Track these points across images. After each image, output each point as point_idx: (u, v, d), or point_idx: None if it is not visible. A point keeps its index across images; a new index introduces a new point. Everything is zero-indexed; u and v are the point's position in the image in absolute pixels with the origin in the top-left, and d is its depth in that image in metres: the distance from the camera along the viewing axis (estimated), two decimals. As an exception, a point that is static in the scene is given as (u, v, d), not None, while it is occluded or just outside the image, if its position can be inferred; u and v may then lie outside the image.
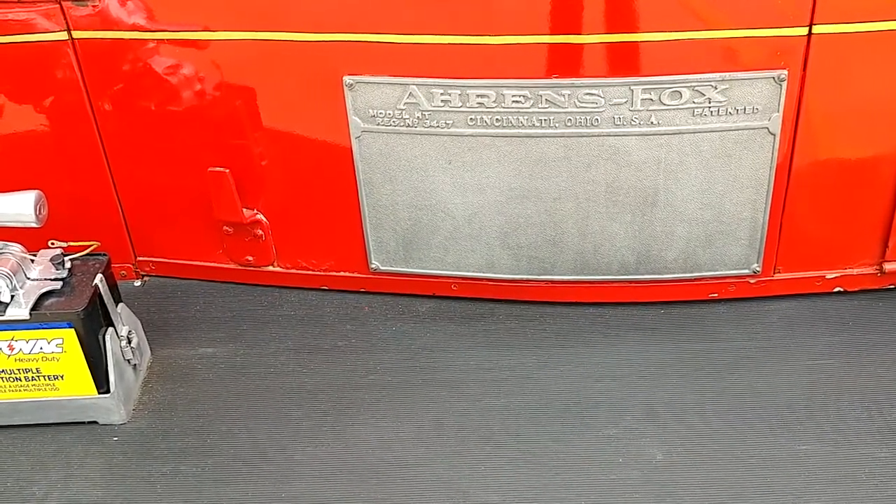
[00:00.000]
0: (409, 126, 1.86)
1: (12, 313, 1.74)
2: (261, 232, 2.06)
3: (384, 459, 1.75)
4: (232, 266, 2.14)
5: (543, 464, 1.72)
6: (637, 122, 1.80)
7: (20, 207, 1.69)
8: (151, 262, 2.17)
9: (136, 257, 2.17)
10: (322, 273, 2.11)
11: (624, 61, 1.76)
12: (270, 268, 2.13)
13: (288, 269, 2.12)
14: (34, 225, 1.70)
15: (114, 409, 1.84)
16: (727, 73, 1.75)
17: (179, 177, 2.03)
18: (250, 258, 2.11)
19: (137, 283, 2.19)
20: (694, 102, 1.78)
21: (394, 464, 1.74)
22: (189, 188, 2.03)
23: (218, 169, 1.95)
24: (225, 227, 2.07)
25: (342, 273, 2.11)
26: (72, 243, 1.80)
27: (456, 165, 1.89)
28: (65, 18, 1.86)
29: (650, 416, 1.81)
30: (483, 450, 1.76)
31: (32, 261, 1.80)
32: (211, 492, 1.71)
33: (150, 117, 1.97)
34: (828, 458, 1.70)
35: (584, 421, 1.80)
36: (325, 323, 2.07)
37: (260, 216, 2.05)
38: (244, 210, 2.02)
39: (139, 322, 1.94)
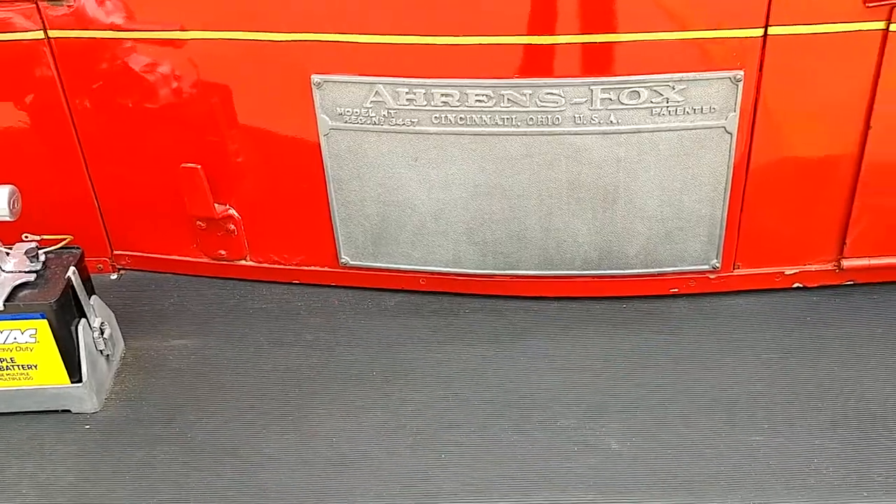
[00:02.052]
0: (375, 124, 1.90)
1: (-14, 304, 1.79)
2: (233, 227, 2.11)
3: (348, 449, 1.80)
4: (205, 260, 2.19)
5: (502, 452, 1.77)
6: (597, 121, 1.85)
7: (-7, 201, 1.74)
8: (127, 255, 2.22)
9: (112, 251, 2.21)
10: (293, 267, 2.16)
11: (584, 62, 1.81)
12: (243, 262, 2.18)
13: (260, 263, 2.17)
14: (7, 218, 1.75)
15: (86, 398, 1.89)
16: (685, 74, 1.80)
17: (154, 173, 2.07)
18: (223, 252, 2.16)
19: (114, 276, 2.23)
20: (652, 102, 1.82)
21: (357, 453, 1.79)
22: (163, 184, 2.08)
23: (190, 165, 2.00)
24: (198, 222, 2.11)
25: (313, 267, 2.15)
26: (45, 237, 1.85)
27: (422, 162, 1.94)
28: (41, 18, 1.91)
29: (608, 406, 1.85)
30: (444, 439, 1.80)
31: (7, 254, 1.85)
32: (179, 478, 1.75)
33: (126, 115, 2.01)
34: (780, 448, 1.75)
35: (544, 412, 1.85)
36: (295, 316, 2.12)
37: (232, 211, 2.09)
38: (216, 205, 2.07)
39: (112, 314, 1.98)
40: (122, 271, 2.24)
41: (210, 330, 2.08)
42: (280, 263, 2.16)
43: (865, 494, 1.66)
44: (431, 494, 1.70)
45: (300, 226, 2.09)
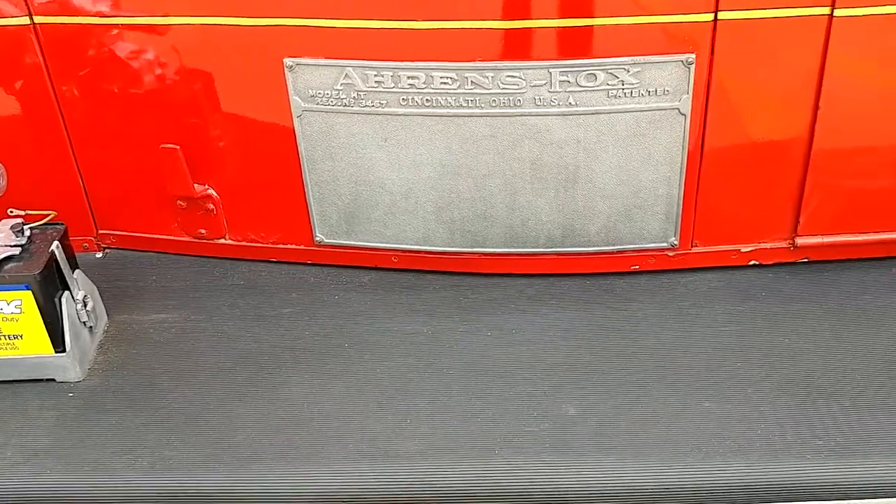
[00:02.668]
0: (346, 105, 1.99)
1: (-27, 276, 1.88)
2: (212, 206, 2.20)
3: (318, 413, 1.89)
4: (186, 239, 2.27)
5: (463, 417, 1.85)
6: (556, 102, 1.93)
7: (-21, 177, 1.83)
8: (112, 235, 2.31)
9: (97, 230, 2.30)
10: (270, 245, 2.25)
11: (542, 46, 1.89)
12: (222, 240, 2.26)
13: (238, 241, 2.26)
14: (-6, 193, 1.84)
15: (69, 367, 1.97)
16: (639, 57, 1.88)
17: (137, 155, 2.16)
18: (203, 231, 2.25)
19: (99, 255, 2.32)
20: (608, 84, 1.91)
21: (326, 417, 1.87)
22: (146, 166, 2.16)
23: (169, 145, 2.09)
24: (179, 202, 2.20)
25: (289, 245, 2.24)
26: (30, 212, 1.94)
27: (391, 143, 2.03)
28: (26, 4, 2.00)
29: (567, 376, 1.94)
30: (409, 404, 1.89)
31: (-7, 228, 1.94)
32: (156, 440, 1.84)
33: (110, 99, 2.10)
34: (730, 412, 1.83)
35: (505, 380, 1.93)
36: (273, 292, 2.20)
37: (211, 191, 2.18)
38: (196, 185, 2.16)
39: (96, 288, 2.07)
40: (106, 250, 2.33)
41: (190, 304, 2.17)
42: (258, 242, 2.25)
43: (809, 457, 1.73)
44: (395, 453, 1.79)
45: (276, 205, 2.18)
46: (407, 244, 2.17)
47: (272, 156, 2.10)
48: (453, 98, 1.94)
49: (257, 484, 1.78)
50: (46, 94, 2.11)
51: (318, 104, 2.00)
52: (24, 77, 2.09)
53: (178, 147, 2.08)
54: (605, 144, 1.98)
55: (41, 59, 2.07)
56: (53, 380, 1.99)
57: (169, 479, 1.78)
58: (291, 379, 1.97)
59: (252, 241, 2.25)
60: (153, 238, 2.29)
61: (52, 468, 1.81)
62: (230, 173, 2.15)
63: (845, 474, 1.71)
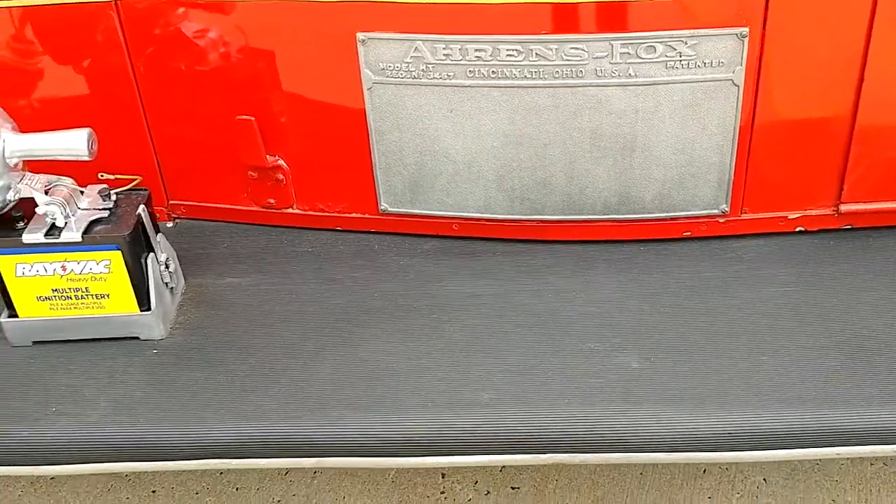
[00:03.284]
0: (415, 78, 2.10)
1: (66, 237, 1.98)
2: (282, 176, 2.30)
3: (393, 368, 1.99)
4: (255, 208, 2.38)
5: (532, 369, 1.96)
6: (616, 74, 2.04)
7: (74, 142, 1.93)
8: (182, 205, 2.42)
9: (168, 200, 2.41)
10: (336, 214, 2.35)
11: (605, 19, 2.00)
12: (290, 210, 2.37)
13: (305, 211, 2.37)
14: (86, 158, 1.94)
15: (154, 326, 2.08)
16: (696, 30, 1.99)
17: (209, 128, 2.27)
18: (272, 201, 2.36)
19: (170, 224, 2.43)
20: (666, 56, 2.02)
21: (399, 370, 1.98)
22: (217, 137, 2.27)
23: (245, 117, 2.20)
24: (250, 172, 2.31)
25: (354, 214, 2.35)
26: (120, 176, 2.04)
27: (456, 114, 2.13)
28: (110, -17, 2.12)
29: (629, 334, 2.04)
30: (477, 359, 1.99)
31: (82, 193, 2.04)
32: (239, 393, 1.95)
33: (183, 73, 2.20)
34: (787, 367, 1.93)
35: (569, 337, 2.04)
36: (339, 258, 2.31)
37: (281, 162, 2.29)
38: (267, 156, 2.26)
39: (175, 252, 2.18)
40: (177, 220, 2.44)
41: (261, 270, 2.28)
42: (324, 211, 2.35)
43: (860, 405, 1.84)
44: (468, 402, 1.89)
45: (343, 175, 2.29)
46: (468, 212, 2.28)
47: (341, 127, 2.21)
48: (518, 70, 2.05)
49: (336, 430, 1.88)
50: (125, 70, 2.22)
51: (387, 77, 2.11)
52: (105, 52, 2.19)
53: (253, 118, 2.19)
54: (662, 114, 2.09)
55: (121, 35, 2.17)
56: (137, 338, 2.10)
57: (253, 426, 1.89)
58: (363, 336, 2.08)
59: (319, 210, 2.35)
60: (222, 208, 2.40)
61: (145, 418, 1.91)
62: (300, 144, 2.26)
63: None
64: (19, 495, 2.97)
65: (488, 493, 2.87)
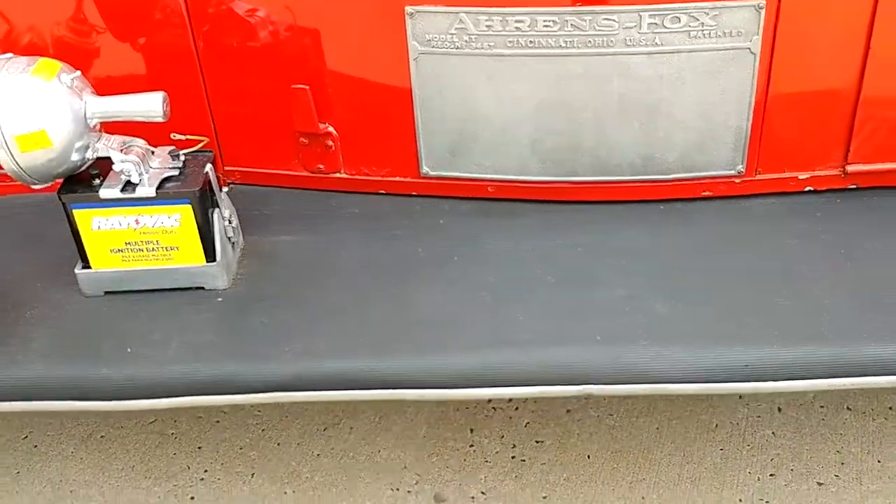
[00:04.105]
0: (458, 48, 2.28)
1: (141, 192, 2.15)
2: (331, 143, 2.48)
3: (435, 312, 2.17)
4: (305, 174, 2.56)
5: (567, 313, 2.14)
6: (644, 43, 2.22)
7: (150, 104, 2.10)
8: (236, 171, 2.59)
9: (223, 167, 2.58)
10: (381, 178, 2.53)
11: (634, -8, 2.19)
12: (337, 174, 2.55)
13: (352, 175, 2.54)
14: (160, 119, 2.11)
15: (219, 276, 2.25)
16: (718, 2, 2.18)
17: (264, 98, 2.44)
18: (321, 166, 2.53)
19: (225, 189, 2.59)
20: (690, 26, 2.20)
21: (443, 314, 2.16)
22: (272, 107, 2.45)
23: (300, 86, 2.37)
24: (301, 139, 2.49)
25: (397, 178, 2.53)
26: (190, 136, 2.22)
27: (495, 81, 2.31)
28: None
29: (655, 281, 2.22)
30: (516, 305, 2.17)
31: (153, 153, 2.22)
32: (300, 333, 2.12)
33: (240, 44, 2.37)
34: (798, 307, 2.12)
35: (601, 285, 2.22)
36: (384, 218, 2.49)
37: (331, 129, 2.46)
38: (319, 123, 2.44)
39: (235, 210, 2.35)
40: (232, 185, 2.61)
41: (313, 228, 2.45)
42: (370, 175, 2.53)
43: (873, 340, 2.02)
44: (510, 341, 2.07)
45: (388, 141, 2.46)
46: (504, 174, 2.46)
47: (387, 96, 2.39)
48: (553, 39, 2.23)
49: (392, 368, 2.06)
50: (188, 47, 2.39)
51: (433, 47, 2.29)
52: (168, 22, 2.36)
53: (307, 87, 2.37)
54: (685, 80, 2.27)
55: (185, 13, 2.35)
56: (202, 288, 2.27)
57: (315, 365, 2.07)
58: (408, 286, 2.25)
59: (365, 174, 2.53)
60: (274, 173, 2.58)
61: (214, 357, 2.09)
62: (348, 112, 2.44)
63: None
64: (72, 452, 3.14)
65: (514, 446, 3.05)
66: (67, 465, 3.07)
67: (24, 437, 3.19)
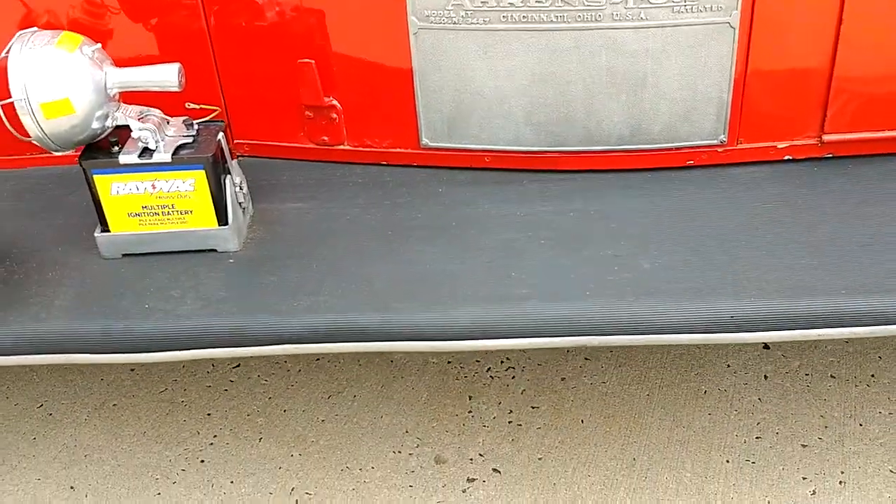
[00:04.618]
0: (455, 23, 2.41)
1: (158, 157, 2.29)
2: (335, 116, 2.62)
3: (436, 270, 2.30)
4: (310, 146, 2.69)
5: (559, 271, 2.27)
6: (630, 18, 2.36)
7: (166, 74, 2.24)
8: (246, 143, 2.73)
9: (233, 140, 2.72)
10: (382, 150, 2.67)
11: (620, -30, 2.33)
12: (341, 146, 2.68)
13: (355, 147, 2.68)
14: (175, 89, 2.24)
15: (230, 239, 2.39)
16: (698, -21, 2.33)
17: (272, 72, 2.58)
18: (325, 138, 2.67)
19: (234, 161, 2.73)
20: (673, 1, 2.34)
21: (443, 272, 2.29)
22: (279, 81, 2.58)
23: (305, 60, 2.51)
24: (307, 112, 2.62)
25: (398, 149, 2.66)
26: (204, 106, 2.36)
27: (490, 55, 2.45)
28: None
29: (640, 243, 2.35)
30: (513, 263, 2.30)
31: (168, 122, 2.35)
32: (309, 291, 2.25)
33: (249, 28, 2.51)
34: (777, 263, 2.25)
35: (590, 246, 2.35)
36: (387, 187, 2.62)
37: (335, 102, 2.60)
38: (324, 97, 2.58)
39: (245, 178, 2.49)
40: (240, 157, 2.75)
41: (319, 196, 2.59)
42: (372, 147, 2.67)
43: (843, 292, 2.16)
44: (506, 296, 2.20)
45: (390, 113, 2.60)
46: (499, 145, 2.59)
47: (388, 70, 2.53)
48: (545, 14, 2.37)
49: (398, 320, 2.18)
50: (200, 26, 2.52)
51: (431, 23, 2.42)
52: (181, 3, 2.49)
53: (312, 61, 2.51)
54: (669, 53, 2.41)
55: (198, -6, 2.49)
56: (215, 250, 2.40)
57: (325, 319, 2.20)
58: (409, 247, 2.39)
59: (367, 146, 2.67)
60: (281, 146, 2.71)
61: (229, 312, 2.22)
62: (351, 86, 2.57)
63: (869, 305, 2.13)
64: (85, 419, 3.28)
65: (511, 411, 3.18)
66: (81, 432, 3.21)
67: (38, 405, 3.33)
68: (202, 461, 3.07)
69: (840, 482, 2.87)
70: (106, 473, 3.05)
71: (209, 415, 3.24)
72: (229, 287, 2.29)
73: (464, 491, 2.92)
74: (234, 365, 3.42)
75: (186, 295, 2.28)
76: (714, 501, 2.84)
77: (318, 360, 3.42)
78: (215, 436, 3.16)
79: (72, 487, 3.01)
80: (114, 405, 3.30)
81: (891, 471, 2.89)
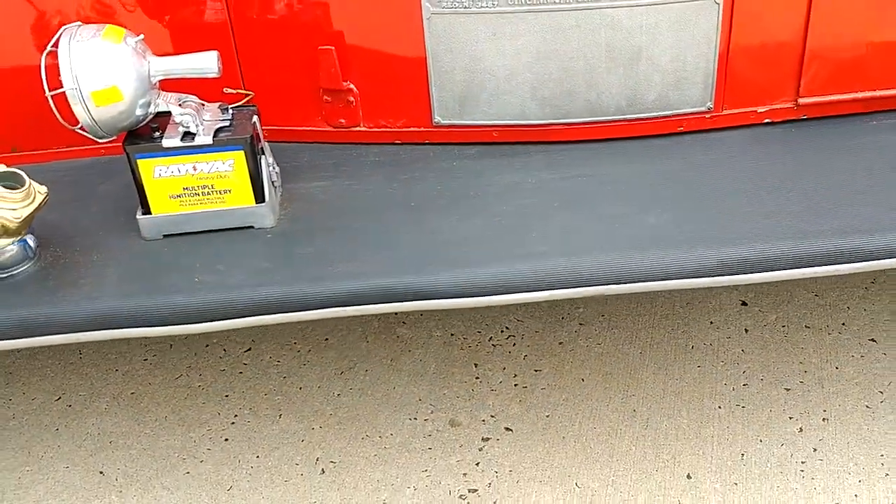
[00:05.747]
0: (465, 7, 2.61)
1: (199, 140, 2.43)
2: (352, 99, 2.79)
3: (454, 238, 2.47)
4: (328, 128, 2.86)
5: (572, 230, 2.46)
6: (626, -4, 2.60)
7: (207, 62, 2.39)
8: (266, 129, 2.85)
9: (254, 127, 2.87)
10: (397, 129, 2.84)
11: (616, -47, 2.56)
12: (357, 128, 2.85)
13: (371, 128, 2.85)
14: (215, 75, 2.39)
15: (267, 216, 2.54)
16: (686, -40, 2.57)
17: (292, 59, 2.73)
18: (342, 121, 2.84)
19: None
20: (665, -19, 2.59)
21: (460, 241, 2.46)
22: (299, 68, 2.74)
23: (326, 47, 2.68)
24: (325, 97, 2.79)
25: (412, 128, 2.84)
26: (240, 91, 2.51)
27: (498, 36, 2.65)
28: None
29: (643, 204, 2.56)
30: (529, 225, 2.48)
31: (204, 107, 2.50)
32: (345, 259, 2.40)
33: (271, 19, 2.67)
34: (763, 212, 2.47)
35: (598, 206, 2.54)
36: (401, 164, 2.80)
37: (352, 86, 2.77)
38: (342, 81, 2.75)
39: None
40: (261, 142, 2.90)
41: (340, 175, 2.75)
42: (387, 127, 2.84)
43: (822, 236, 2.40)
44: (526, 254, 2.39)
45: (404, 95, 2.78)
46: (507, 120, 2.79)
47: (403, 53, 2.71)
48: (549, -3, 2.59)
49: (430, 282, 2.36)
50: (222, 12, 2.66)
51: (443, 8, 2.62)
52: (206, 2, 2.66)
53: (332, 48, 2.68)
54: (661, 29, 2.64)
55: (222, -14, 2.64)
56: (252, 227, 2.55)
57: (365, 283, 2.36)
58: (433, 216, 2.55)
59: (382, 126, 2.84)
60: (300, 130, 2.87)
61: (276, 280, 2.37)
62: (367, 70, 2.75)
63: (851, 245, 2.37)
64: (105, 408, 3.38)
65: (515, 375, 3.39)
66: (103, 420, 3.31)
67: (56, 398, 3.42)
68: (226, 440, 3.21)
69: (823, 419, 3.13)
70: (133, 457, 3.17)
71: (227, 396, 3.37)
72: (272, 258, 2.45)
73: (480, 449, 3.11)
74: (245, 349, 3.56)
75: (232, 268, 2.42)
76: (711, 443, 3.08)
77: (326, 339, 3.58)
78: (236, 415, 3.29)
79: (101, 472, 3.12)
80: (132, 393, 3.41)
81: (867, 406, 3.17)
